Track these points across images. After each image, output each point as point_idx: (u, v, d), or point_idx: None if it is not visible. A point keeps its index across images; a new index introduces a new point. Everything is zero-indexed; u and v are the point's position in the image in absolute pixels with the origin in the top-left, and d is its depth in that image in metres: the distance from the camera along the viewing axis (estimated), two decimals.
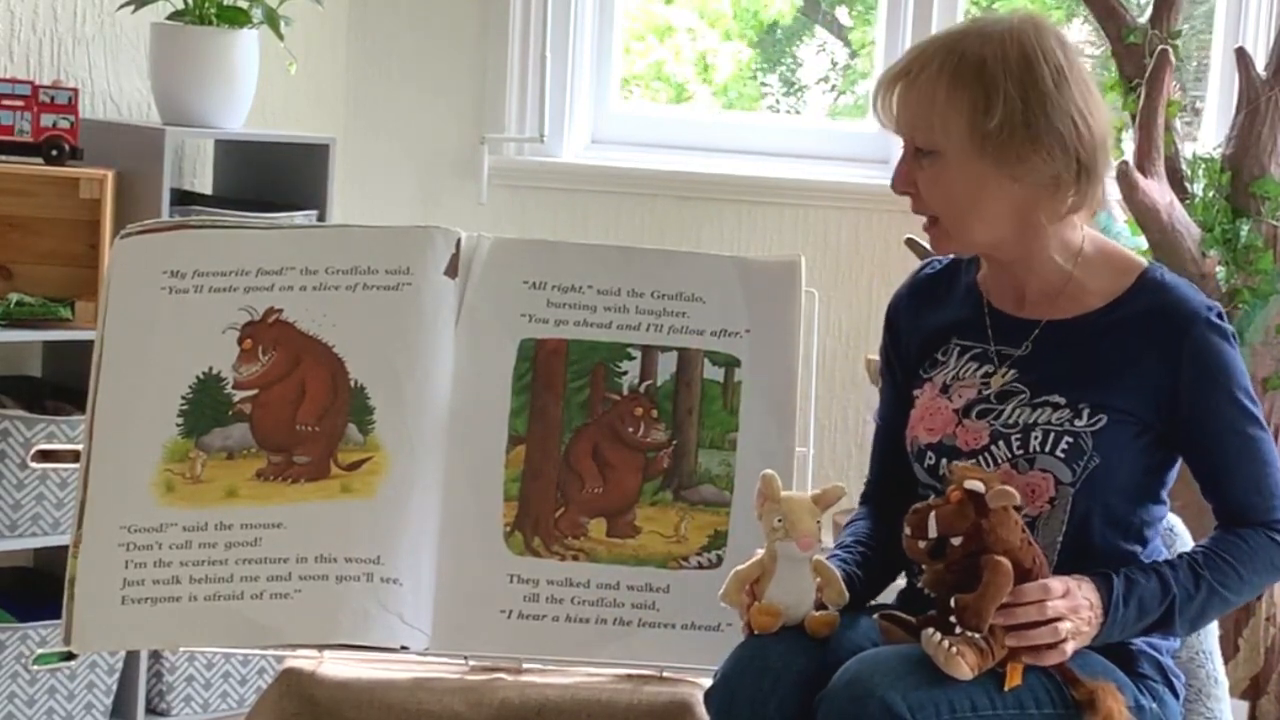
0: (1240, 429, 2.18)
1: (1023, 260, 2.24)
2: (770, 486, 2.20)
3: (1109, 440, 2.16)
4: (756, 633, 2.16)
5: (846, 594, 2.21)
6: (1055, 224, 2.21)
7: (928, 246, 3.58)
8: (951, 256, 2.39)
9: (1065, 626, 2.05)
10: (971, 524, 2.05)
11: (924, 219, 2.25)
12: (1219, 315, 2.20)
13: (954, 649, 2.02)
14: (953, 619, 2.05)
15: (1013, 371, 2.24)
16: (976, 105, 2.14)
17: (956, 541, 2.06)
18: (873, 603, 2.32)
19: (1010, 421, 2.20)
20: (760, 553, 2.21)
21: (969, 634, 2.04)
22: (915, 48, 2.21)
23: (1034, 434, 2.18)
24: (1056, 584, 2.07)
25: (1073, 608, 2.06)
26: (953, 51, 2.16)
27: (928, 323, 2.35)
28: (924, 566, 2.12)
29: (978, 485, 2.06)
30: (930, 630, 2.06)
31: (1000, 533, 2.05)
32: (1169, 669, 2.25)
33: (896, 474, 2.36)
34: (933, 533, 2.07)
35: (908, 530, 2.10)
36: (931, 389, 2.29)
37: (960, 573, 2.06)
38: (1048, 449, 2.17)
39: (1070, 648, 2.06)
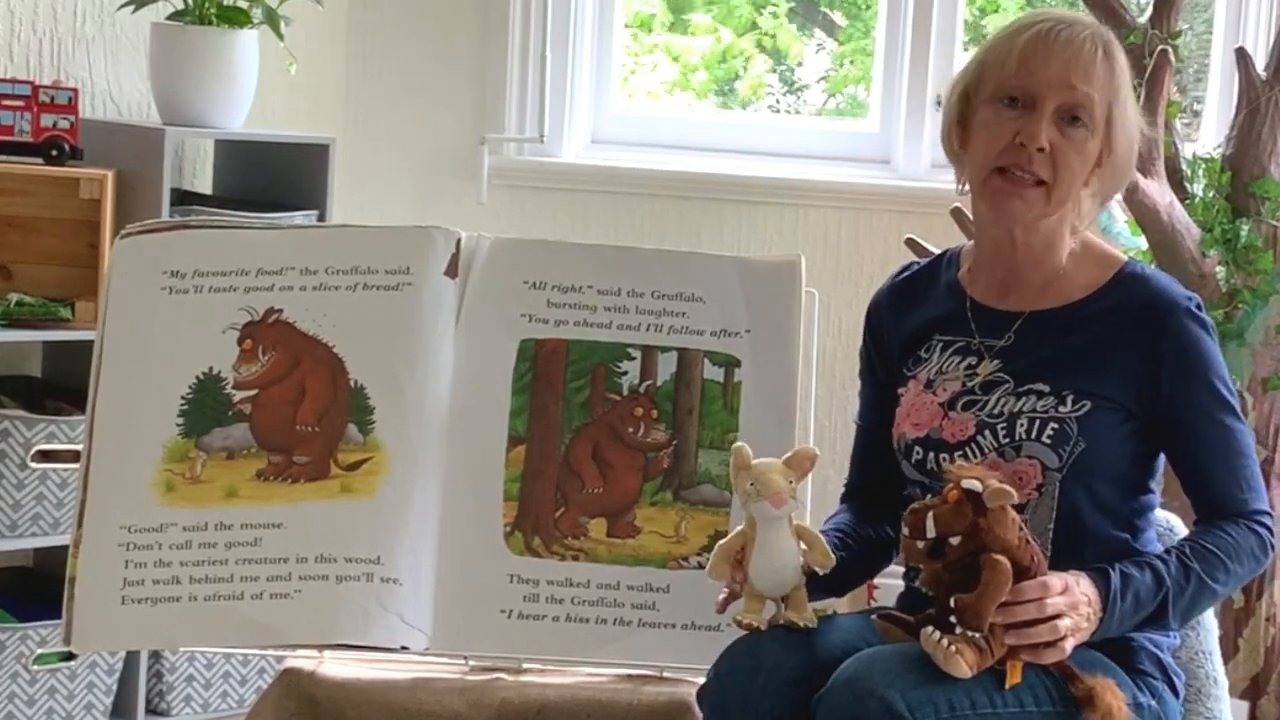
0: (1218, 418, 2.21)
1: (1044, 245, 2.27)
2: (740, 456, 2.21)
3: (1094, 425, 2.18)
4: (744, 623, 2.17)
5: (833, 557, 2.21)
6: (1081, 224, 2.27)
7: (928, 246, 3.59)
8: (927, 260, 2.43)
9: (1064, 624, 2.06)
10: (969, 523, 2.05)
11: (988, 180, 2.24)
12: (1198, 306, 2.24)
13: (953, 647, 2.03)
14: (952, 619, 2.06)
15: (996, 362, 2.26)
16: (1118, 89, 2.21)
17: (955, 541, 2.06)
18: (872, 605, 2.33)
19: (995, 411, 2.21)
20: (742, 526, 2.22)
21: (968, 633, 2.04)
22: (1063, 19, 2.23)
23: (1019, 422, 2.19)
24: (1055, 581, 2.07)
25: (1071, 604, 2.07)
26: (1098, 34, 2.23)
27: (909, 322, 2.37)
28: (922, 566, 2.13)
29: (975, 484, 2.06)
30: (929, 629, 2.06)
31: (998, 531, 2.05)
32: (1169, 666, 2.25)
33: (876, 474, 2.39)
34: (931, 532, 2.07)
35: (906, 530, 2.10)
36: (916, 385, 2.30)
37: (958, 572, 2.06)
38: (1034, 435, 2.18)
39: (1069, 645, 2.07)
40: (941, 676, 2.03)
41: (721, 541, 2.25)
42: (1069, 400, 2.19)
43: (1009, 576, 2.04)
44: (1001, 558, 2.04)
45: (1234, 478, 2.21)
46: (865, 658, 2.08)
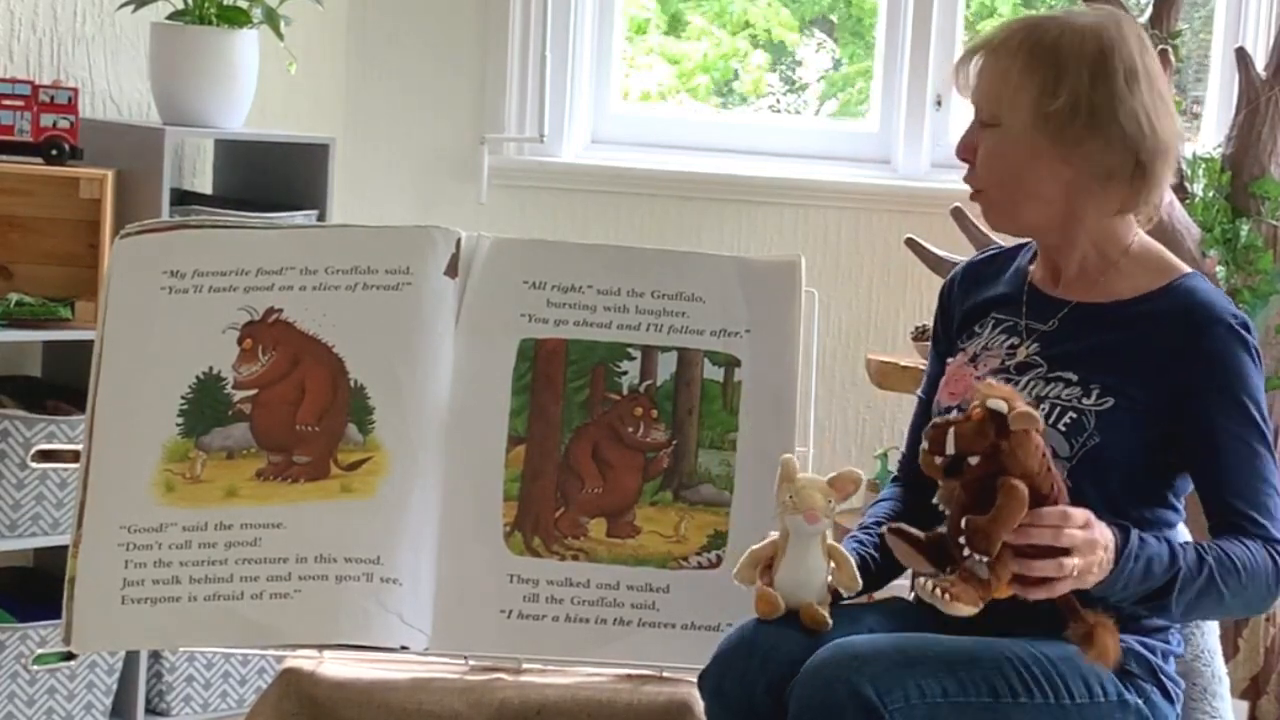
0: (1245, 438, 2.17)
1: (1062, 245, 2.28)
2: (787, 468, 2.22)
3: (1112, 423, 2.17)
4: (758, 618, 2.18)
5: (859, 581, 2.21)
6: (1104, 219, 2.25)
7: (928, 246, 3.59)
8: (1011, 245, 2.44)
9: (1071, 563, 1.99)
10: (990, 444, 1.99)
11: (968, 192, 2.30)
12: (1243, 325, 2.21)
13: (946, 595, 1.97)
14: (961, 539, 1.98)
15: (1036, 345, 2.27)
16: (1045, 86, 2.19)
17: (974, 460, 1.99)
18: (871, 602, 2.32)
19: (1023, 392, 2.21)
20: (775, 534, 2.23)
21: (966, 566, 1.98)
22: (1002, 23, 2.28)
23: (1042, 406, 2.19)
24: (1078, 513, 2.01)
25: (1089, 541, 2.01)
26: (1034, 31, 2.22)
27: (974, 298, 2.40)
28: (939, 482, 2.06)
29: (1000, 404, 1.99)
30: (922, 580, 2.01)
31: (1019, 455, 1.98)
32: (1163, 671, 2.22)
33: None
34: (950, 449, 2.01)
35: (925, 445, 2.04)
36: (963, 357, 2.34)
37: (975, 493, 1.99)
38: (1050, 420, 2.17)
39: (1065, 587, 2.01)
40: (912, 662, 2.03)
41: (754, 547, 2.25)
42: (1094, 394, 2.19)
43: (1024, 503, 1.97)
44: (1019, 483, 1.97)
45: (1254, 501, 2.16)
46: (836, 645, 2.08)
